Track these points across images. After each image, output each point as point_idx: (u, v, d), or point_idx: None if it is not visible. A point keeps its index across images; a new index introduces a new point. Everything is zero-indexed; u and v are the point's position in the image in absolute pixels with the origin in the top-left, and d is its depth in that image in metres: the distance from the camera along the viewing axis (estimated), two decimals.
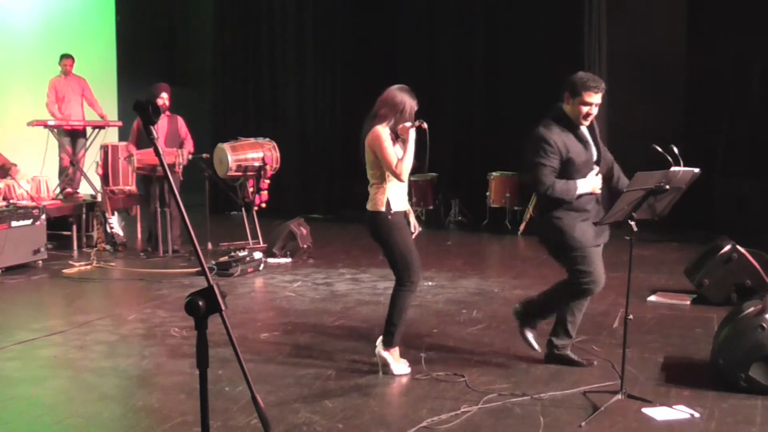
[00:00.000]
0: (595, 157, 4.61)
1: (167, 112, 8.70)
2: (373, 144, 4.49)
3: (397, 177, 4.49)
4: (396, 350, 4.68)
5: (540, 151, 4.45)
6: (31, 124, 9.49)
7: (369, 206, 4.58)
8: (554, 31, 10.73)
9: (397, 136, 4.56)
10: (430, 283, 7.15)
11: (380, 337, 4.74)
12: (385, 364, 4.64)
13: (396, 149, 4.52)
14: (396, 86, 4.60)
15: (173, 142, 8.73)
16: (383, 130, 4.48)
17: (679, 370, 4.67)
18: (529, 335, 4.85)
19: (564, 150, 4.46)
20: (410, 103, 4.54)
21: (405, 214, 4.67)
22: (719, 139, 10.44)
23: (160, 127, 8.61)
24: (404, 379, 4.57)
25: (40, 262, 8.05)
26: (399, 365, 4.66)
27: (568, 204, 4.48)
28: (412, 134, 4.51)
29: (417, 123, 4.52)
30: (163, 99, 8.54)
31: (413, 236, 4.73)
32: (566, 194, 4.44)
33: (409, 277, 4.58)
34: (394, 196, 4.56)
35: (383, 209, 4.52)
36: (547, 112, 4.72)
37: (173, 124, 8.80)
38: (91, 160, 10.02)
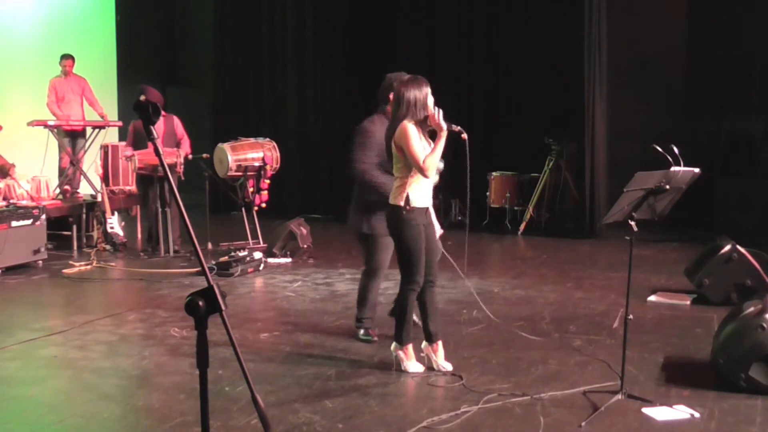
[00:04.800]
0: None
1: (163, 112, 8.69)
2: (400, 139, 4.49)
3: (423, 172, 4.47)
4: (409, 348, 4.70)
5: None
6: (31, 124, 9.49)
7: (390, 199, 4.61)
8: (554, 31, 10.72)
9: (432, 132, 4.58)
10: None
11: (423, 342, 4.81)
12: (399, 362, 4.68)
13: (423, 143, 4.53)
14: (399, 81, 4.61)
15: (170, 142, 8.72)
16: (410, 126, 4.49)
17: (679, 370, 4.68)
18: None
19: None
20: (419, 91, 4.53)
21: (426, 211, 4.64)
22: (719, 139, 10.45)
23: (157, 127, 8.59)
24: (404, 379, 4.57)
25: (40, 262, 8.04)
26: (413, 363, 4.68)
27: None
28: (442, 132, 4.49)
29: (456, 128, 4.52)
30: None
31: (437, 237, 4.73)
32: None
33: (412, 276, 4.58)
34: (416, 192, 4.55)
35: (401, 203, 4.52)
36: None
37: (169, 123, 8.79)
38: (91, 160, 10.02)
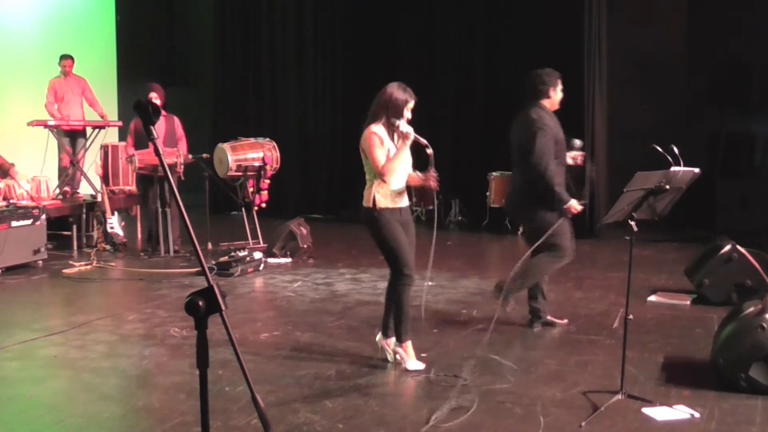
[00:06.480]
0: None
1: (164, 112, 8.66)
2: (363, 143, 4.58)
3: (381, 177, 4.53)
4: (408, 345, 4.74)
5: (539, 132, 5.20)
6: (31, 124, 9.49)
7: (363, 203, 4.67)
8: (554, 31, 10.73)
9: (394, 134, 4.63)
10: (430, 283, 7.14)
11: (379, 333, 4.87)
12: (401, 360, 4.71)
13: (392, 146, 4.57)
14: (390, 83, 4.65)
15: (171, 142, 8.71)
16: (376, 129, 4.55)
17: (679, 370, 4.68)
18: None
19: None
20: (400, 97, 4.57)
21: (401, 212, 4.67)
22: (719, 139, 10.45)
23: (158, 127, 8.57)
24: (404, 379, 4.58)
25: (40, 262, 8.04)
26: (412, 361, 4.71)
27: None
28: (407, 140, 4.54)
29: (422, 141, 4.55)
30: (152, 98, 8.36)
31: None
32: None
33: (402, 270, 4.62)
34: (383, 194, 4.59)
35: (371, 206, 4.59)
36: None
37: (170, 124, 8.78)
38: (91, 160, 10.02)
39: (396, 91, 4.59)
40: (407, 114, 4.62)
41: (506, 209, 5.91)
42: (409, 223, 4.74)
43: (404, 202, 4.70)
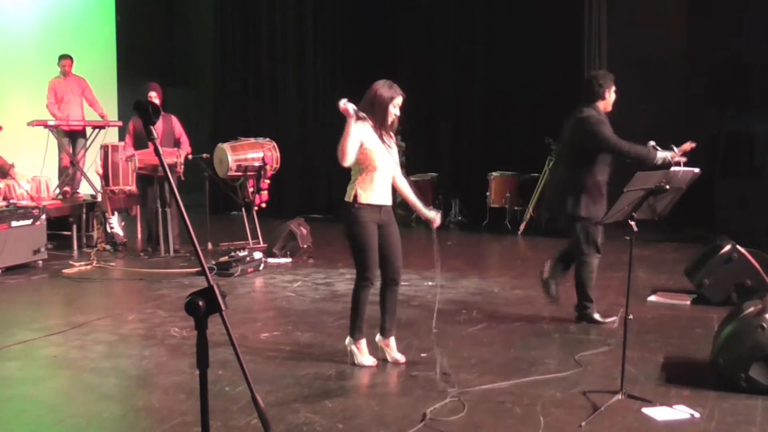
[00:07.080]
0: None
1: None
2: None
3: (340, 161, 4.55)
4: (362, 342, 4.79)
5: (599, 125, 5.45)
6: (31, 124, 9.49)
7: (345, 197, 4.70)
8: (554, 31, 10.73)
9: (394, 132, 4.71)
10: (430, 283, 7.15)
11: (378, 334, 4.92)
12: (353, 357, 4.78)
13: (380, 145, 4.59)
14: (377, 81, 4.66)
15: (169, 142, 8.70)
16: (354, 125, 4.50)
17: (679, 370, 4.68)
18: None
19: None
20: (385, 94, 4.58)
21: (381, 210, 4.66)
22: (719, 139, 10.44)
23: (156, 127, 8.53)
24: (404, 379, 4.58)
25: (40, 262, 8.04)
26: (366, 357, 4.78)
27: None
28: (349, 120, 4.50)
29: (361, 115, 4.53)
30: (151, 98, 8.34)
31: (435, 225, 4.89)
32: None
33: (362, 273, 4.67)
34: (365, 189, 4.60)
35: (350, 201, 4.61)
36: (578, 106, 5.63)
37: (168, 123, 8.77)
38: (91, 160, 10.02)
39: (381, 88, 4.60)
40: (394, 111, 4.62)
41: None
42: (390, 222, 4.74)
43: (386, 200, 4.69)
